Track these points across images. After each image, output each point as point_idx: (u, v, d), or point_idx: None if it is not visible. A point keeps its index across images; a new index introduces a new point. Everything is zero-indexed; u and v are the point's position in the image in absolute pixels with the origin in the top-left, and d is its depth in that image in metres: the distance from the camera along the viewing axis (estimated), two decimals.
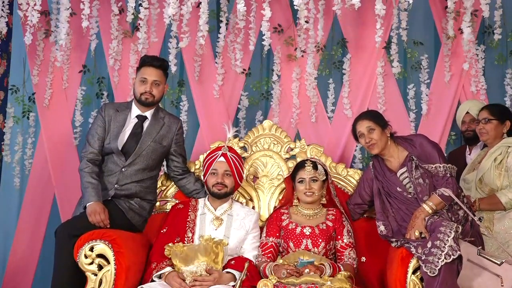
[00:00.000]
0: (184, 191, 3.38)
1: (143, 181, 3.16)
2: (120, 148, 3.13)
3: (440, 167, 2.95)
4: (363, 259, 3.13)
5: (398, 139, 3.11)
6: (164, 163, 3.42)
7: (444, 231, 2.65)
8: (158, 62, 3.21)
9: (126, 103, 3.36)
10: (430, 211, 2.84)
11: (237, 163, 3.16)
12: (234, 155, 3.18)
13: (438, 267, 2.58)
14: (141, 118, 3.22)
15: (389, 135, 3.08)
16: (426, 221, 2.81)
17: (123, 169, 3.11)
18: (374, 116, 3.12)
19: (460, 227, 2.74)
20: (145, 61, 3.21)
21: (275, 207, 3.33)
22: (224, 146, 3.21)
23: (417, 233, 2.78)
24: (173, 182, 3.43)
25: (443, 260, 2.58)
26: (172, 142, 3.28)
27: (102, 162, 3.17)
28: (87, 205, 2.98)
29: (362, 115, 3.17)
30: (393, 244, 2.93)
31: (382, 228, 3.01)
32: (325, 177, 3.13)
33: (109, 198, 3.09)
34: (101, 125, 3.18)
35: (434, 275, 2.58)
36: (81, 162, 3.14)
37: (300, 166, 3.13)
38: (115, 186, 3.10)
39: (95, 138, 3.15)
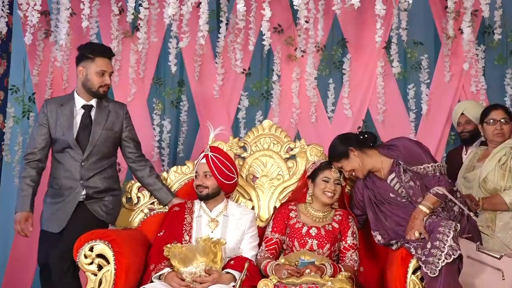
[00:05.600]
0: (145, 188, 3.33)
1: (105, 170, 3.13)
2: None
3: (428, 167, 2.93)
4: (361, 269, 3.09)
5: (379, 148, 3.06)
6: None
7: (443, 231, 2.64)
8: (111, 54, 3.19)
9: (67, 95, 3.27)
10: (427, 211, 2.83)
11: (218, 163, 3.05)
12: (217, 154, 3.09)
13: (439, 268, 2.56)
14: (88, 108, 3.15)
15: (356, 154, 3.01)
16: (425, 222, 2.79)
17: (82, 163, 3.07)
18: (334, 156, 3.07)
19: (458, 225, 2.72)
20: (100, 52, 3.12)
21: (275, 207, 3.33)
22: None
23: (416, 234, 2.76)
24: (172, 182, 3.42)
25: (443, 261, 2.56)
26: (122, 127, 3.22)
27: (57, 161, 3.12)
28: (15, 213, 3.03)
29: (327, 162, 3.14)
30: (393, 247, 2.90)
31: (379, 237, 2.97)
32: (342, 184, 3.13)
33: (81, 200, 3.06)
34: (43, 123, 3.10)
35: (434, 275, 2.57)
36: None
37: (326, 165, 3.09)
38: (81, 182, 3.06)
39: (37, 135, 3.09)
